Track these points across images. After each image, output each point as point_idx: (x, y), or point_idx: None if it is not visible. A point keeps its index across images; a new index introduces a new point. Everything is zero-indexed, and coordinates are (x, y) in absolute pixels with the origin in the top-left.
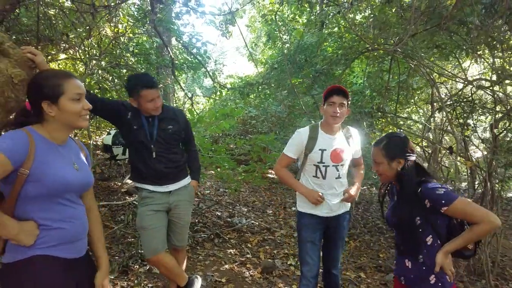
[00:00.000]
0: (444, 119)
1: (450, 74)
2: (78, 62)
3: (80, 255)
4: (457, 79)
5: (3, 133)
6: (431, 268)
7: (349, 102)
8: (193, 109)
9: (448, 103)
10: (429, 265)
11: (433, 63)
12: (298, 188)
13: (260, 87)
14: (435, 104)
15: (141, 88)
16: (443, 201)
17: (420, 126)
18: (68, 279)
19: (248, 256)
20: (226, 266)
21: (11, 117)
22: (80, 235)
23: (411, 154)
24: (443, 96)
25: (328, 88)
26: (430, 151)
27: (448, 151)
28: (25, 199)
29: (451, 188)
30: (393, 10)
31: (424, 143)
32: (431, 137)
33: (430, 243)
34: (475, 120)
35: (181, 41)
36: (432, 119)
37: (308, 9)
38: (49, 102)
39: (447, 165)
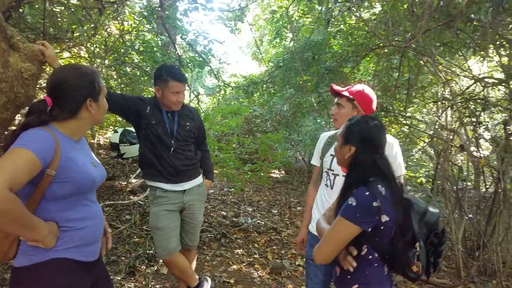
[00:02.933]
0: (455, 117)
1: (460, 71)
2: (83, 60)
3: (95, 258)
4: (467, 77)
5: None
6: (357, 281)
7: (357, 102)
8: (199, 107)
9: (458, 100)
10: (357, 279)
11: (444, 60)
12: (303, 220)
13: (264, 85)
14: (445, 102)
15: (170, 78)
16: (341, 208)
17: (424, 126)
18: (84, 282)
19: (255, 256)
20: (234, 266)
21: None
22: (98, 235)
23: (373, 146)
24: (453, 94)
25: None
26: (439, 150)
27: (460, 149)
28: (50, 199)
29: (374, 206)
30: (405, 6)
31: (434, 142)
32: (442, 135)
33: (364, 253)
34: (485, 118)
35: (186, 39)
36: (442, 117)
37: (316, 5)
38: (91, 99)
39: (457, 164)
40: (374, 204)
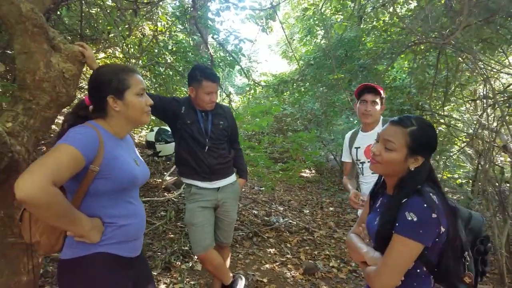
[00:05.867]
0: (495, 116)
1: (501, 68)
2: (117, 60)
3: (137, 254)
4: (508, 74)
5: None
6: None
7: (384, 99)
8: (231, 107)
9: (500, 98)
10: None
11: (484, 57)
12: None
13: (295, 84)
14: (485, 100)
15: (204, 79)
16: (397, 224)
17: (462, 125)
18: (126, 278)
19: (288, 256)
20: (267, 265)
21: (70, 110)
22: (140, 233)
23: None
24: (494, 92)
25: (360, 86)
26: (480, 150)
27: (502, 149)
28: (94, 195)
29: (433, 219)
30: (442, 2)
31: (475, 142)
32: (484, 135)
33: (411, 267)
34: None
35: (216, 39)
36: (483, 116)
37: (349, 2)
38: (114, 97)
39: (499, 165)
40: (433, 216)
